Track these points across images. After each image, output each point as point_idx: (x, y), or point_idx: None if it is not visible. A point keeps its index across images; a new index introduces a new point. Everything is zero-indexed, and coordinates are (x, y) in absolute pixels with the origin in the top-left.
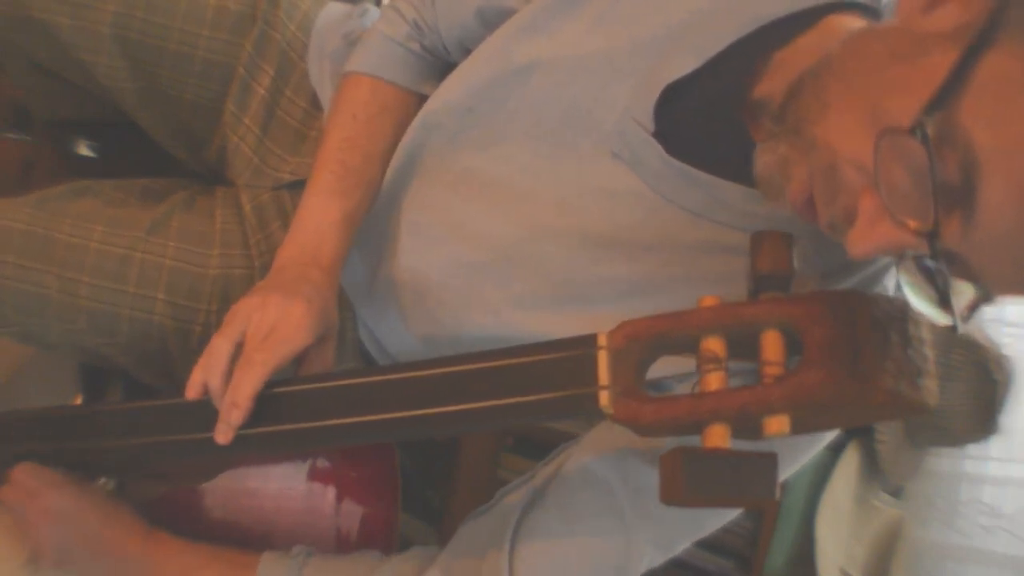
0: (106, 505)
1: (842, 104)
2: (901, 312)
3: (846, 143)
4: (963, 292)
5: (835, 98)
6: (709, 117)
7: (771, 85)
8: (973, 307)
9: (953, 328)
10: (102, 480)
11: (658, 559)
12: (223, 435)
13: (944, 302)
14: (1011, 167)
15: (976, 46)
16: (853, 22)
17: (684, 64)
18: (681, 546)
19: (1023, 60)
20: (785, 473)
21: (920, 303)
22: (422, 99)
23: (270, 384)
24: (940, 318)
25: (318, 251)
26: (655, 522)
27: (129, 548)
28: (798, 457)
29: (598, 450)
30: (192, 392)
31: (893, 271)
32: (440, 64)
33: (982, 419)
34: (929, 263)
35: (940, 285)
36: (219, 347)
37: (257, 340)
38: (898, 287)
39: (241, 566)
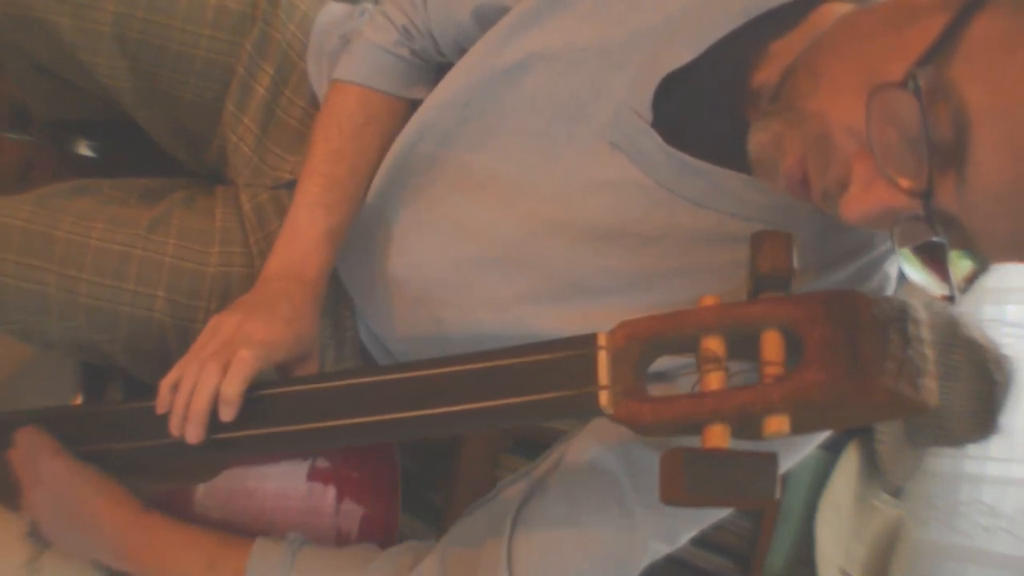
0: (101, 478)
1: (834, 72)
2: (901, 312)
3: (838, 108)
4: (960, 265)
5: (827, 68)
6: (707, 107)
7: (768, 74)
8: (970, 279)
9: (951, 298)
10: None
11: (662, 550)
12: (193, 434)
13: (941, 271)
14: (1002, 124)
15: (967, 8)
16: (847, 8)
17: (681, 54)
18: (685, 536)
19: (1012, 22)
20: (782, 467)
21: (917, 274)
22: (412, 104)
23: (271, 385)
24: (937, 289)
25: (303, 265)
26: (659, 510)
27: (120, 520)
28: (795, 452)
29: (601, 439)
30: (163, 406)
31: (893, 259)
32: (430, 68)
33: (982, 419)
34: (925, 231)
35: (937, 252)
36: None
37: (236, 347)
38: (901, 276)
39: (232, 546)
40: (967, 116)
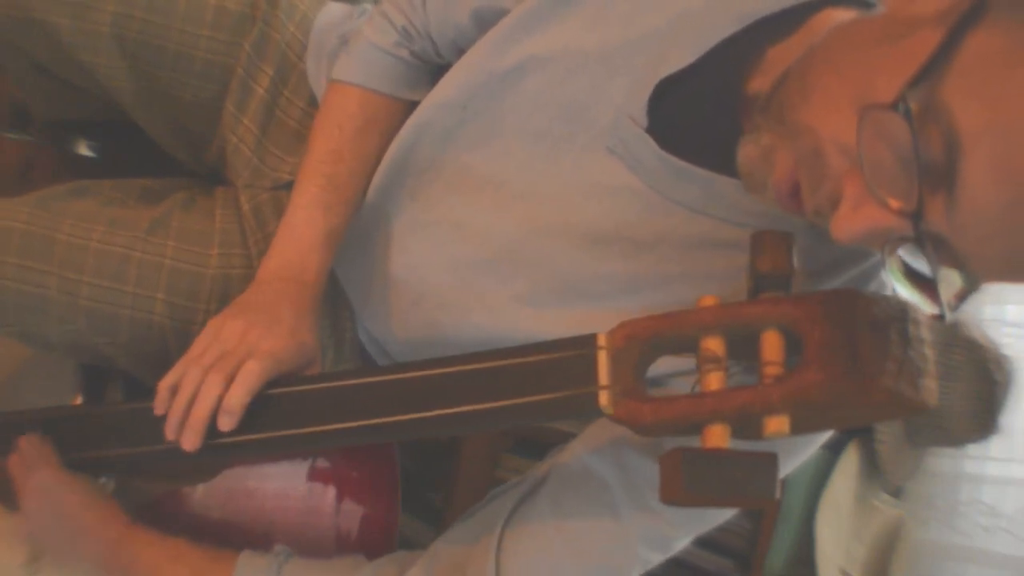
0: (91, 492)
1: (826, 86)
2: (901, 312)
3: (830, 124)
4: (951, 282)
5: (819, 81)
6: (703, 112)
7: (765, 80)
8: (961, 297)
9: (940, 317)
10: (102, 480)
11: (655, 559)
12: (190, 442)
13: (931, 290)
14: (993, 144)
15: (962, 24)
16: (846, 16)
17: (678, 59)
18: (678, 544)
19: (1008, 38)
20: (784, 471)
21: (907, 292)
22: (411, 106)
23: (271, 386)
24: (928, 307)
25: (303, 267)
26: (652, 516)
27: (105, 534)
28: (796, 456)
29: (594, 445)
30: (161, 408)
31: None
32: (429, 69)
33: (982, 419)
34: (916, 249)
35: (927, 272)
36: (194, 376)
37: (240, 357)
38: None
39: (217, 559)
40: (958, 138)
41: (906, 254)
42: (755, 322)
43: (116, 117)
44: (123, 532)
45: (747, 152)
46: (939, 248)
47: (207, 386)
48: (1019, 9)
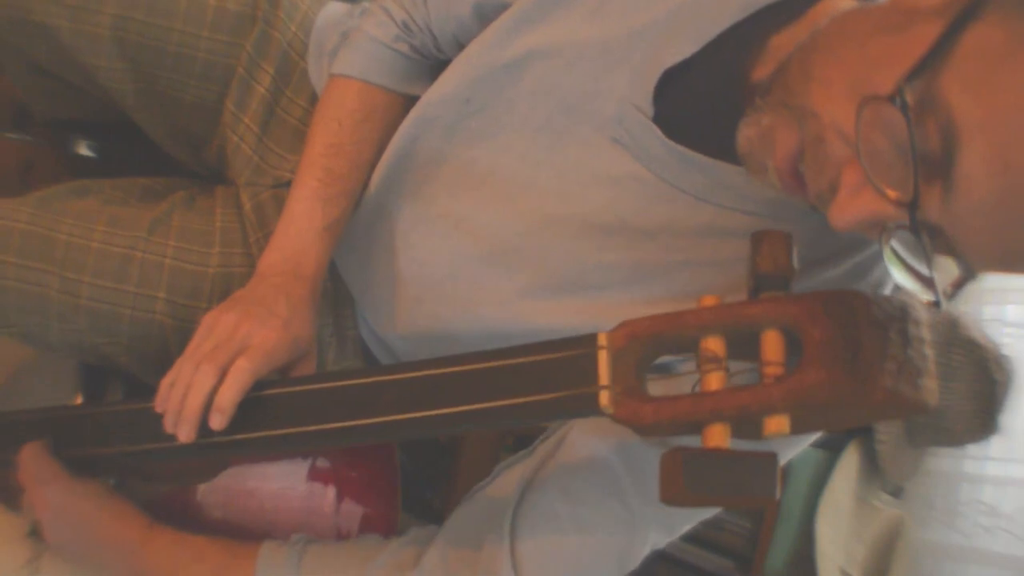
0: (105, 496)
1: (827, 74)
2: (901, 312)
3: (830, 111)
4: (948, 269)
5: (821, 69)
6: (708, 101)
7: (768, 69)
8: (957, 285)
9: (936, 304)
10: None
11: (662, 540)
12: (185, 434)
13: (926, 278)
14: (989, 136)
15: (962, 18)
16: (848, 4)
17: (682, 49)
18: (684, 527)
19: (1007, 32)
20: (781, 460)
21: (904, 279)
22: (410, 101)
23: (268, 385)
24: (923, 294)
25: (301, 261)
26: (656, 500)
27: (127, 538)
28: (792, 447)
29: (599, 431)
30: (161, 405)
31: None
32: (429, 64)
33: (982, 419)
34: (912, 238)
35: (923, 260)
36: (187, 371)
37: (233, 350)
38: None
39: (238, 556)
40: (955, 128)
41: (903, 245)
42: (756, 322)
43: (116, 117)
44: (144, 535)
45: (747, 133)
46: (935, 237)
47: (199, 376)
48: (1019, 3)
